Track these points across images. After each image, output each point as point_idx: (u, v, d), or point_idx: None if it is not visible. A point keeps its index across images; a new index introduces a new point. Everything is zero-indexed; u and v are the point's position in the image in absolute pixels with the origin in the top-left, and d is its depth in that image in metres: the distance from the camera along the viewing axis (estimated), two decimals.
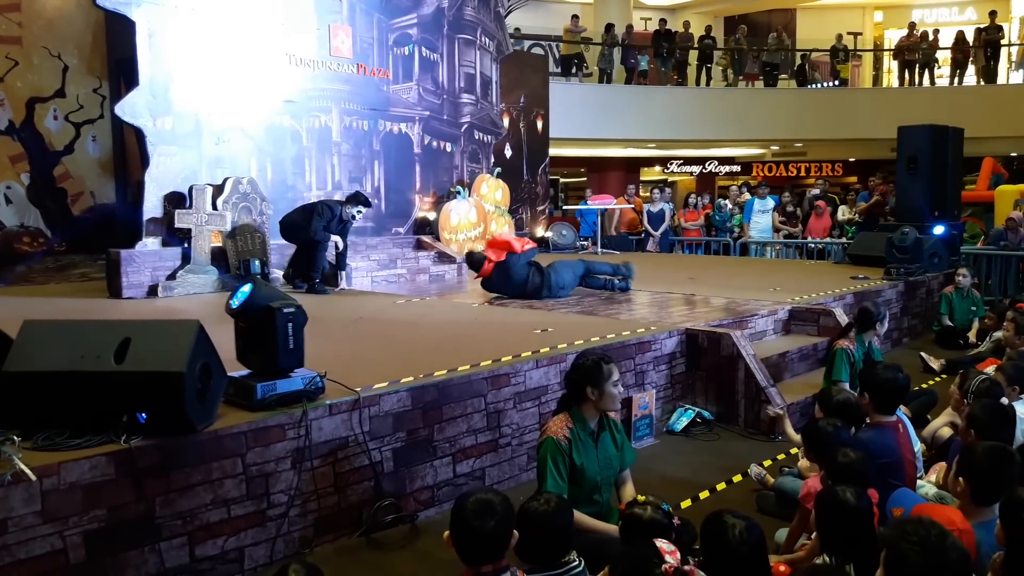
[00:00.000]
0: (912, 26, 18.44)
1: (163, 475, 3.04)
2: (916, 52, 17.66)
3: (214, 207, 7.71)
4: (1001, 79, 17.80)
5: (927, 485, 3.82)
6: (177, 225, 7.50)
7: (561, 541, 2.58)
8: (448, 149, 10.73)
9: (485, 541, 2.34)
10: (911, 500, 2.47)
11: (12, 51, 8.77)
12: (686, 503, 4.07)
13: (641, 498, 2.98)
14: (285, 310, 3.43)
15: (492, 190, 11.07)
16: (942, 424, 4.64)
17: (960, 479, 2.76)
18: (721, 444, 5.11)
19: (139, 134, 7.55)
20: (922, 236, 9.19)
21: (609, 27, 17.73)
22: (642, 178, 22.32)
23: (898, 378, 3.69)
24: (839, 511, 2.58)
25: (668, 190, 15.54)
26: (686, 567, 2.24)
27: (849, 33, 19.50)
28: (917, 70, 17.88)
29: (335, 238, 7.71)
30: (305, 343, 3.56)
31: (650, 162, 23.31)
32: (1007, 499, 2.37)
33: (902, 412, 3.92)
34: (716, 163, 23.58)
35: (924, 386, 6.17)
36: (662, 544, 2.32)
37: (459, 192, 10.51)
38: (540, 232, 13.03)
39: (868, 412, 3.73)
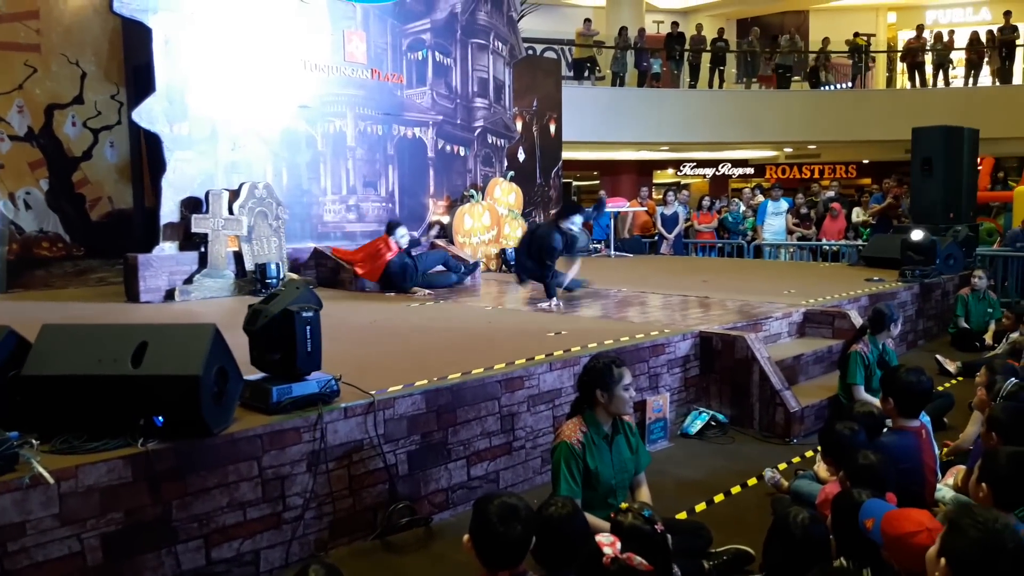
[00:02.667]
0: (920, 28, 18.34)
1: (179, 478, 3.07)
2: (924, 53, 17.57)
3: (230, 212, 7.76)
4: (1017, 79, 17.66)
5: (944, 488, 3.80)
6: (194, 230, 7.55)
7: (578, 545, 2.58)
8: (461, 153, 10.75)
9: (509, 547, 2.32)
10: (880, 508, 2.48)
11: (31, 58, 8.86)
12: (701, 507, 4.06)
13: (624, 505, 3.00)
14: (304, 314, 3.45)
15: (505, 194, 11.08)
16: (975, 433, 4.54)
17: (983, 484, 2.73)
18: (736, 447, 5.09)
19: (156, 140, 7.61)
20: (936, 237, 9.12)
21: (622, 30, 17.73)
22: (655, 181, 22.29)
23: (921, 381, 3.65)
24: (855, 514, 2.56)
25: (685, 192, 15.51)
26: (623, 555, 2.29)
27: (862, 34, 19.41)
28: (930, 71, 17.78)
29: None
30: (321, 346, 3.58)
31: (663, 165, 23.27)
32: None
33: (926, 418, 3.87)
34: (729, 165, 23.51)
35: (940, 388, 6.12)
36: (601, 538, 2.37)
37: (472, 196, 10.53)
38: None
39: (891, 416, 3.70)
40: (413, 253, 8.42)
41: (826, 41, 18.60)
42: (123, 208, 9.57)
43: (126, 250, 7.68)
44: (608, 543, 2.34)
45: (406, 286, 8.03)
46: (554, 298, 6.95)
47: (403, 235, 8.22)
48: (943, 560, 1.93)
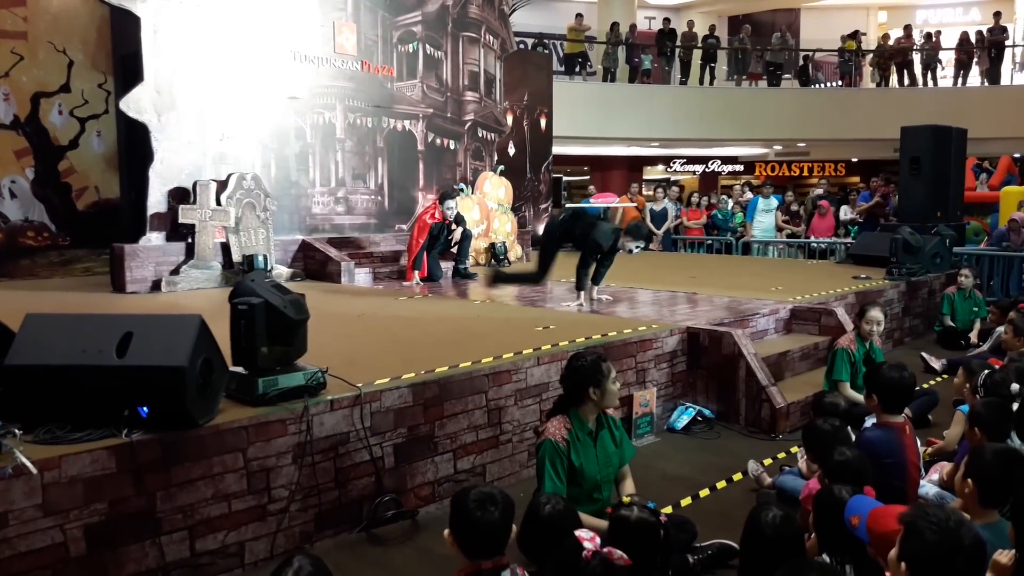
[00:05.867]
0: (908, 28, 18.41)
1: (164, 469, 3.05)
2: (909, 53, 17.66)
3: (218, 203, 7.72)
4: (1005, 80, 17.78)
5: (928, 485, 3.83)
6: (181, 220, 7.51)
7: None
8: (451, 147, 10.73)
9: (489, 532, 2.35)
10: (866, 505, 2.50)
11: (17, 46, 8.78)
12: (686, 501, 4.08)
13: (626, 499, 3.00)
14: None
15: (495, 188, 11.06)
16: (958, 434, 4.56)
17: (968, 480, 2.75)
18: (722, 443, 5.11)
19: (143, 129, 7.56)
20: (923, 236, 9.16)
21: (613, 26, 17.73)
22: (645, 177, 22.32)
23: (904, 377, 3.68)
24: (836, 510, 2.57)
25: (675, 188, 15.49)
26: (604, 549, 2.30)
27: (857, 33, 19.46)
28: (919, 71, 17.85)
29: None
30: (308, 338, 3.57)
31: (653, 161, 23.30)
32: (1017, 501, 2.37)
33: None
34: (719, 162, 23.56)
35: (925, 386, 6.16)
36: (581, 533, 2.40)
37: (462, 190, 10.51)
38: (542, 230, 13.00)
39: (875, 412, 3.73)
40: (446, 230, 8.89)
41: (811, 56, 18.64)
42: (110, 198, 9.52)
43: (112, 240, 7.64)
44: (588, 538, 2.35)
45: (433, 251, 8.68)
46: (583, 292, 6.72)
47: (451, 207, 8.67)
48: (903, 564, 1.94)
